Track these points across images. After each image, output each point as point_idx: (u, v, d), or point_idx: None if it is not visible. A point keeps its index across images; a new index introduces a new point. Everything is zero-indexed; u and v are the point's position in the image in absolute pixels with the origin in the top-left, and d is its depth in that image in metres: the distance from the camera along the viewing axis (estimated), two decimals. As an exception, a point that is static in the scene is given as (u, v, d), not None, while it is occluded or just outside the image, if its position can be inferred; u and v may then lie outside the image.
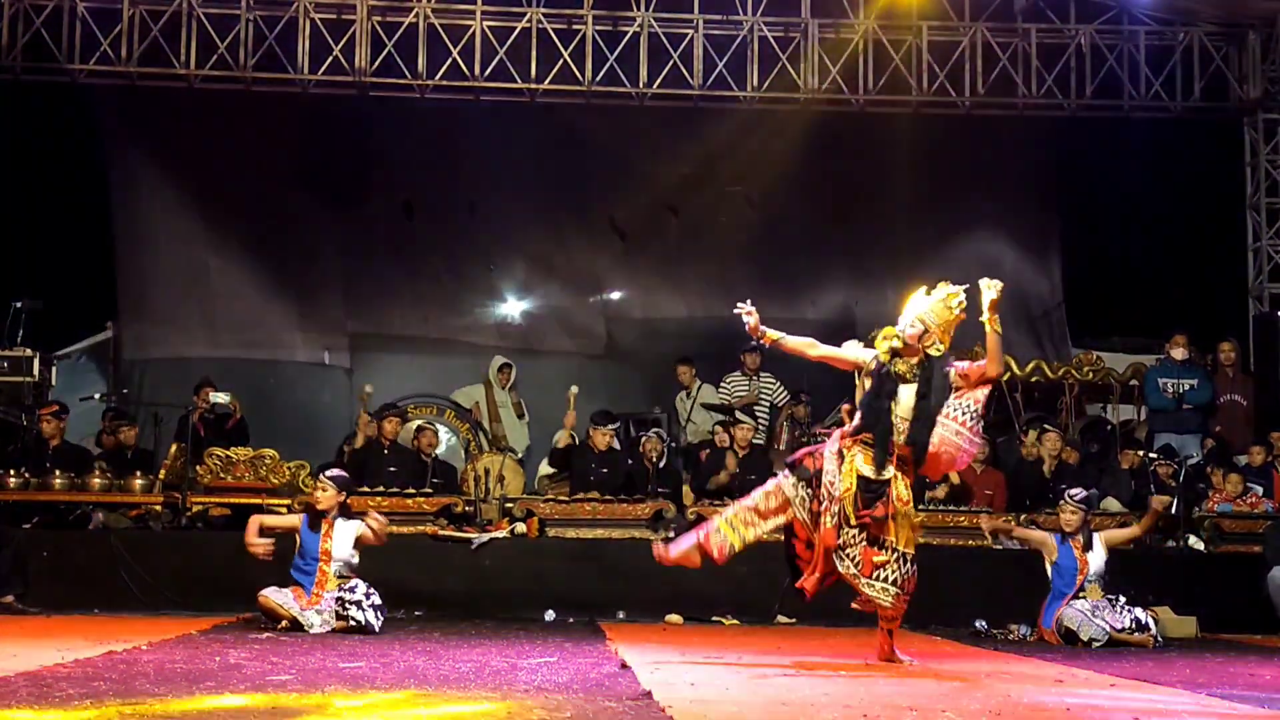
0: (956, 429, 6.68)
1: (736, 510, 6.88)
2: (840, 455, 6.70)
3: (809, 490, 6.72)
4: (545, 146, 14.17)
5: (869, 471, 6.63)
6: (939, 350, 6.72)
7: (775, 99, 13.42)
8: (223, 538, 10.44)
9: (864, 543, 6.63)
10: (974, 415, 6.72)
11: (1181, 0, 13.21)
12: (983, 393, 6.77)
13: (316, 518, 8.36)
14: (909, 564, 6.67)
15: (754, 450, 11.25)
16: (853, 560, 6.64)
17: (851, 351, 6.97)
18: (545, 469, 11.99)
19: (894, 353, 6.72)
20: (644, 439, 11.39)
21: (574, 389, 12.10)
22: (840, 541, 6.63)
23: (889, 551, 6.63)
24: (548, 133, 14.00)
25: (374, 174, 14.48)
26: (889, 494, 6.63)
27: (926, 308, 6.73)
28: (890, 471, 6.65)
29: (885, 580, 6.62)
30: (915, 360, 6.71)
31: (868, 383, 6.75)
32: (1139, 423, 12.75)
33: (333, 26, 12.98)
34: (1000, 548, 10.47)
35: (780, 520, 6.80)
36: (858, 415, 6.80)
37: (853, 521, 6.61)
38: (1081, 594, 8.65)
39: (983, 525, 9.76)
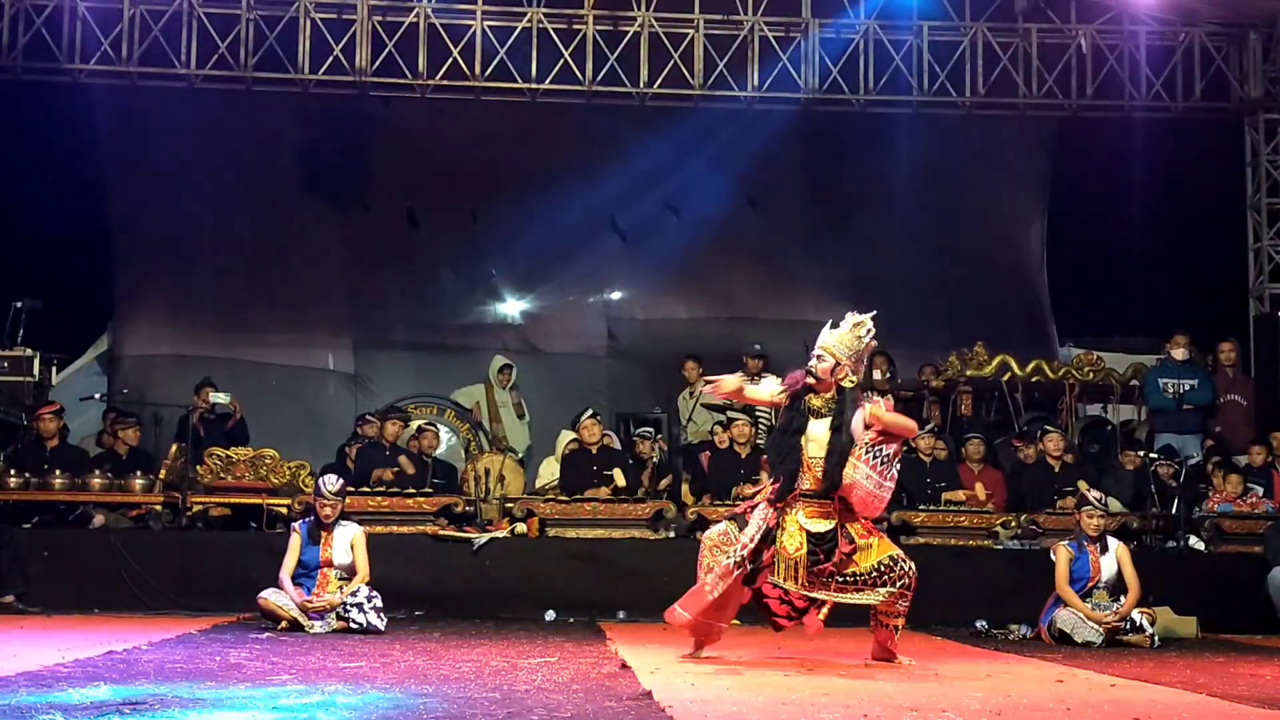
0: (867, 473, 6.56)
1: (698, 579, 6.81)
2: (778, 512, 6.61)
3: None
4: (546, 146, 14.17)
5: (815, 526, 6.57)
6: (852, 382, 6.63)
7: (775, 99, 13.42)
8: (223, 538, 10.47)
9: (824, 584, 6.60)
10: (886, 461, 6.62)
11: (1182, 0, 13.20)
12: (898, 444, 6.70)
13: (316, 530, 8.35)
14: (898, 564, 6.61)
15: (755, 450, 11.22)
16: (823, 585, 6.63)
17: (767, 389, 6.94)
18: (548, 476, 11.89)
19: (807, 388, 6.65)
20: (633, 439, 11.39)
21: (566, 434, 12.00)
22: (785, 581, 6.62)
23: (871, 572, 6.57)
24: (548, 132, 13.99)
25: (374, 174, 14.48)
26: (840, 536, 6.56)
27: (834, 340, 6.64)
28: (832, 523, 6.58)
29: (884, 586, 6.60)
30: (828, 395, 6.63)
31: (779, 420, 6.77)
32: (1139, 423, 12.75)
33: (333, 26, 12.98)
34: (1000, 548, 10.47)
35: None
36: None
37: (800, 581, 6.56)
38: (1089, 598, 8.64)
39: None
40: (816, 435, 6.61)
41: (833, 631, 8.44)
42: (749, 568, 6.61)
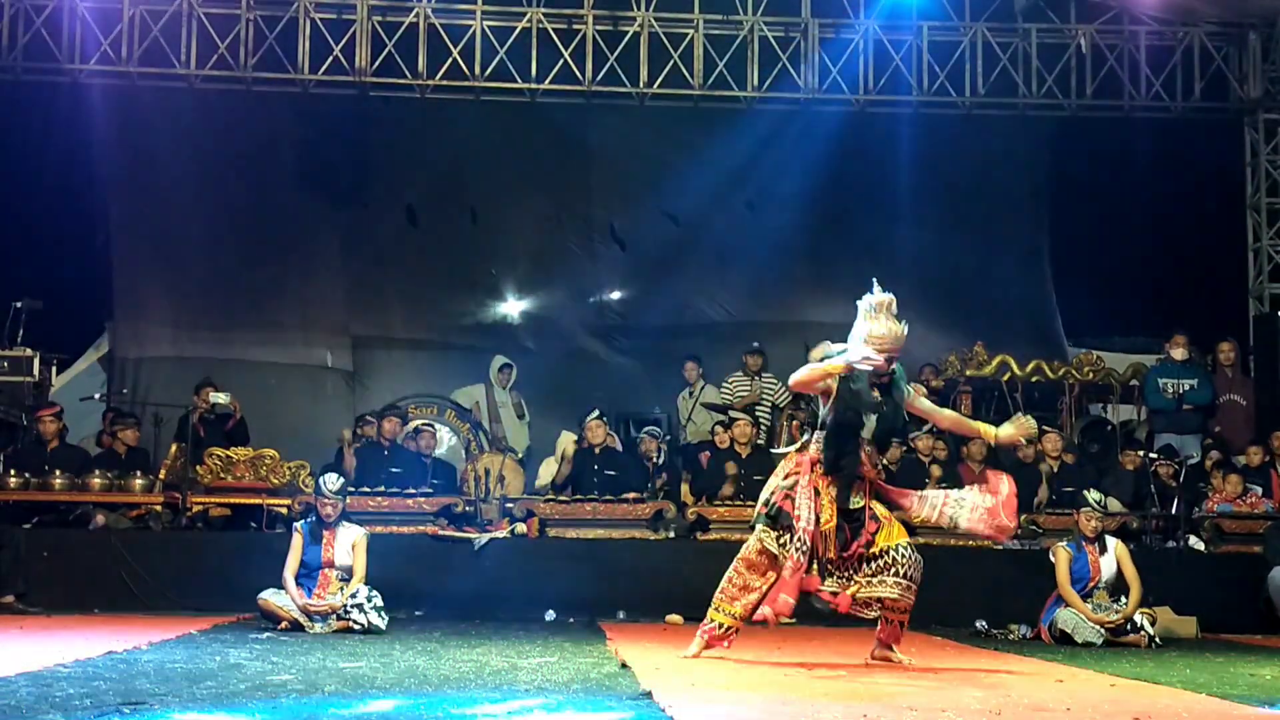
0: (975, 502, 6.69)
1: (723, 588, 6.76)
2: (815, 490, 6.57)
3: (790, 535, 6.56)
4: (546, 146, 14.17)
5: (845, 502, 6.59)
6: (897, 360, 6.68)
7: (775, 99, 13.42)
8: (223, 538, 10.47)
9: (860, 576, 6.61)
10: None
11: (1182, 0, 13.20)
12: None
13: (319, 529, 8.34)
14: (911, 552, 6.63)
15: (756, 450, 11.23)
16: (846, 578, 6.63)
17: (817, 371, 6.58)
18: (547, 476, 11.88)
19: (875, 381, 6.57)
20: (639, 439, 11.40)
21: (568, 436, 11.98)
22: (822, 573, 6.58)
23: (883, 555, 6.59)
24: (548, 132, 13.99)
25: (374, 174, 14.47)
26: (867, 516, 6.59)
27: (896, 335, 6.53)
28: (861, 500, 6.60)
29: (894, 575, 6.60)
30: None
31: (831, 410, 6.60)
32: (1139, 423, 12.75)
33: (333, 26, 12.99)
34: (1000, 548, 10.47)
35: (773, 578, 6.64)
36: (814, 442, 6.65)
37: (833, 555, 6.54)
38: (1089, 598, 8.64)
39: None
40: (868, 423, 6.61)
41: (833, 631, 8.47)
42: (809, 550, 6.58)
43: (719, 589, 6.78)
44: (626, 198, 14.50)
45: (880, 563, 6.58)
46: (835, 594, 6.60)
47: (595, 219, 14.69)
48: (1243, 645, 8.86)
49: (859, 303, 6.71)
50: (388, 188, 14.47)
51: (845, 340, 6.69)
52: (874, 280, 6.72)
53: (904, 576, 6.58)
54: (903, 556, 6.59)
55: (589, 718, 4.49)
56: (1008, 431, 6.80)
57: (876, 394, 6.58)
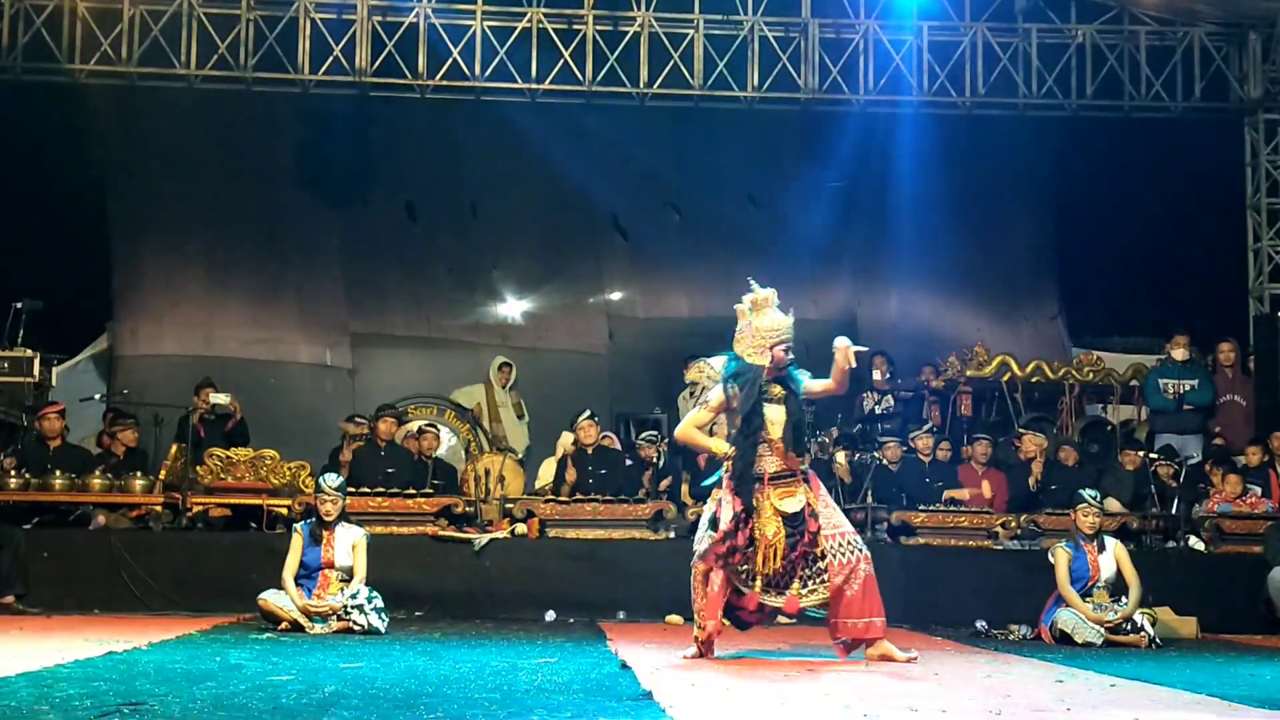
0: None
1: (694, 600, 6.84)
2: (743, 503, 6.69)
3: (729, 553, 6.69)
4: (546, 146, 14.18)
5: (787, 506, 6.65)
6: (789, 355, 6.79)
7: (775, 99, 13.42)
8: (223, 538, 10.47)
9: (796, 579, 6.69)
10: None
11: (1182, 0, 13.20)
12: None
13: (318, 530, 8.33)
14: (851, 539, 6.72)
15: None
16: (797, 586, 6.71)
17: (704, 416, 6.91)
18: (547, 477, 11.87)
19: (763, 379, 6.70)
20: (639, 443, 11.40)
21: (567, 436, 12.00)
22: (768, 586, 6.70)
23: (825, 557, 6.67)
24: (548, 133, 14.00)
25: (375, 174, 14.49)
26: (808, 515, 6.67)
27: (787, 325, 6.75)
28: (801, 499, 6.68)
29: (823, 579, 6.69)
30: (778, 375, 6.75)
31: (736, 420, 6.73)
32: (1139, 423, 12.75)
33: (333, 26, 12.99)
34: (1000, 548, 10.48)
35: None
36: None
37: (778, 566, 6.65)
38: (1089, 597, 8.63)
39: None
40: (774, 419, 6.71)
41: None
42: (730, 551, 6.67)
43: (692, 600, 6.87)
44: (627, 197, 14.50)
45: (821, 565, 6.66)
46: (780, 603, 6.74)
47: (595, 219, 14.71)
48: (1243, 645, 8.86)
49: (737, 306, 6.94)
50: (387, 188, 14.49)
51: (724, 350, 6.94)
52: (749, 279, 6.85)
53: (845, 555, 6.67)
54: (845, 545, 6.70)
55: (589, 718, 4.49)
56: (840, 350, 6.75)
57: (778, 389, 6.72)
